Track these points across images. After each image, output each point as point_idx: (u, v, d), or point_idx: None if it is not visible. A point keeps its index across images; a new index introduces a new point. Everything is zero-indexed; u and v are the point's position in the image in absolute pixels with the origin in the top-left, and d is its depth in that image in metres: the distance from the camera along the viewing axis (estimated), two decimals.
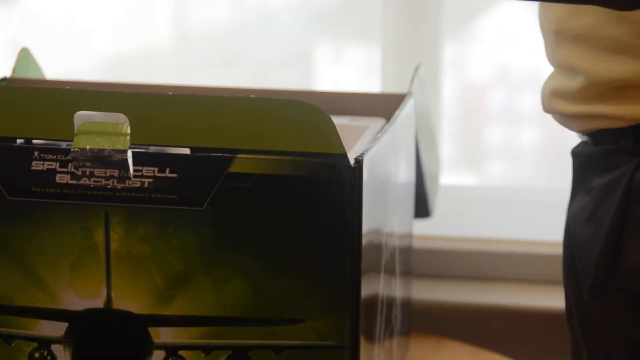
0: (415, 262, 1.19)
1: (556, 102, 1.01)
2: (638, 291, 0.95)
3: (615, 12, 0.92)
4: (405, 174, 1.09)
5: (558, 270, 1.07)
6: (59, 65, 1.17)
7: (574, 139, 1.06)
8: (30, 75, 1.18)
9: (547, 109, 1.03)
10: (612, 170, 0.97)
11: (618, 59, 0.94)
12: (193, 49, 1.56)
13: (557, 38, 1.00)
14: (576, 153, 1.04)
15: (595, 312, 0.98)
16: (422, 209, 1.26)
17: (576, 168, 1.04)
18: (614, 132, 0.97)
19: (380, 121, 1.08)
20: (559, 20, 0.98)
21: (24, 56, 1.16)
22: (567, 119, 1.01)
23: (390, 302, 1.03)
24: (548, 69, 1.05)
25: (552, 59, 1.02)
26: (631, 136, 0.96)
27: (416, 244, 1.19)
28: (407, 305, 1.13)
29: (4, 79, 1.16)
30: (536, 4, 1.03)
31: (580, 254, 1.00)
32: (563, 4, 0.98)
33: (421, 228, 1.25)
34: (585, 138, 1.02)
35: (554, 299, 1.10)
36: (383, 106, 1.07)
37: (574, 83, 0.98)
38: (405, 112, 1.06)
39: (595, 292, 0.98)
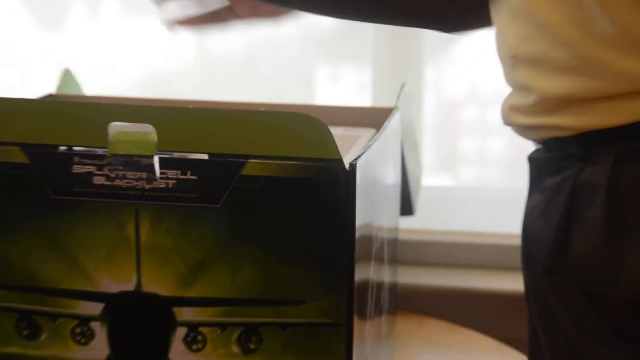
0: (401, 251, 1.18)
1: (514, 116, 1.01)
2: (583, 278, 0.95)
3: (559, 39, 0.92)
4: (392, 177, 1.09)
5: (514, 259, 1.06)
6: (97, 85, 1.17)
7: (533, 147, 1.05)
8: (71, 92, 1.17)
9: (506, 122, 1.03)
10: (561, 172, 0.97)
11: (563, 78, 0.94)
12: (212, 71, 1.55)
13: (512, 62, 0.99)
14: (532, 158, 1.04)
15: (548, 293, 0.98)
16: (406, 208, 1.26)
17: (532, 171, 1.04)
18: (562, 140, 0.97)
19: (371, 131, 1.07)
20: (513, 47, 0.98)
21: (67, 76, 1.15)
22: (523, 130, 1.01)
23: (379, 286, 1.02)
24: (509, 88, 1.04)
25: (509, 80, 1.02)
26: (576, 143, 0.96)
27: (401, 236, 1.19)
28: (394, 289, 1.13)
29: (50, 95, 1.15)
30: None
31: (534, 244, 1.00)
32: (515, 32, 0.97)
33: (406, 222, 1.24)
34: (539, 146, 1.02)
35: (519, 283, 1.09)
36: (373, 118, 1.07)
37: (528, 99, 0.98)
38: (393, 123, 1.05)
39: (548, 276, 0.98)
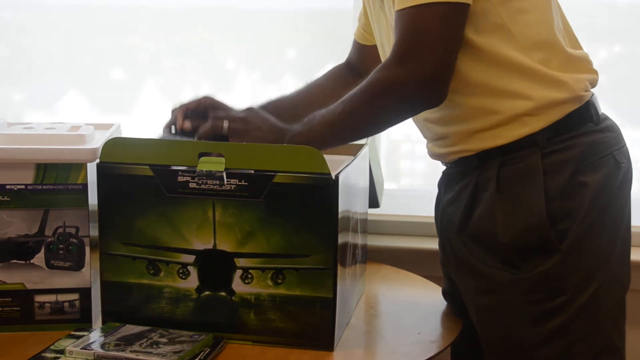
0: (369, 226, 1.15)
1: (435, 149, 0.97)
2: (480, 232, 0.92)
3: (451, 101, 0.88)
4: (362, 183, 1.07)
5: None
6: None
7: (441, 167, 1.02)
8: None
9: (429, 152, 1.00)
10: (466, 178, 0.94)
11: (462, 123, 0.91)
12: None
13: (425, 123, 0.96)
14: (445, 173, 1.00)
15: (459, 244, 0.95)
16: (374, 203, 1.22)
17: (445, 180, 1.00)
18: (466, 158, 0.94)
19: (350, 157, 1.04)
20: (427, 113, 0.94)
21: None
22: (439, 156, 0.98)
23: (354, 246, 1.01)
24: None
25: (428, 130, 0.98)
26: (475, 160, 0.92)
27: (370, 217, 1.15)
28: (364, 248, 1.11)
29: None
30: None
31: (448, 220, 0.97)
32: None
33: (372, 209, 1.20)
34: (449, 164, 0.98)
35: (435, 245, 1.05)
36: (351, 150, 1.04)
37: (444, 138, 0.95)
38: (363, 153, 1.04)
39: (458, 234, 0.95)
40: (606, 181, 0.88)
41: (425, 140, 1.00)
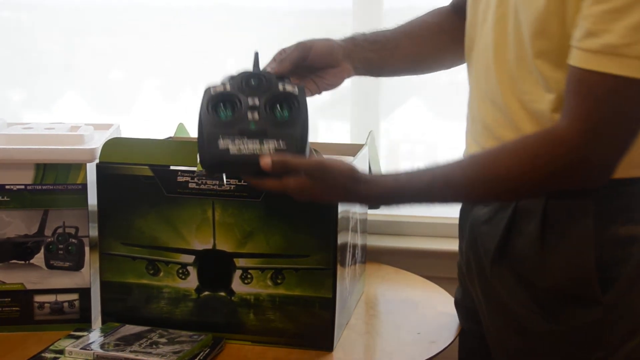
0: (368, 226, 1.15)
1: (474, 149, 0.88)
2: (518, 268, 0.84)
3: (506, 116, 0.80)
4: None
5: (439, 231, 1.01)
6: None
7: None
8: (182, 136, 1.15)
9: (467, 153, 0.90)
10: None
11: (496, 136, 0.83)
12: None
13: (484, 120, 0.84)
14: None
15: (491, 275, 0.86)
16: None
17: None
18: None
19: (350, 158, 1.04)
20: (491, 119, 0.84)
21: (180, 127, 1.13)
22: None
23: (354, 246, 1.01)
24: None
25: (480, 127, 0.86)
26: None
27: (370, 217, 1.15)
28: (364, 248, 1.11)
29: (170, 137, 1.13)
30: None
31: (482, 241, 0.87)
32: None
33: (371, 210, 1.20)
34: None
35: (436, 244, 1.05)
36: (351, 150, 1.05)
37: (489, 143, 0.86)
38: (362, 153, 1.04)
39: (493, 265, 0.85)
40: None
41: (428, 141, 0.97)
